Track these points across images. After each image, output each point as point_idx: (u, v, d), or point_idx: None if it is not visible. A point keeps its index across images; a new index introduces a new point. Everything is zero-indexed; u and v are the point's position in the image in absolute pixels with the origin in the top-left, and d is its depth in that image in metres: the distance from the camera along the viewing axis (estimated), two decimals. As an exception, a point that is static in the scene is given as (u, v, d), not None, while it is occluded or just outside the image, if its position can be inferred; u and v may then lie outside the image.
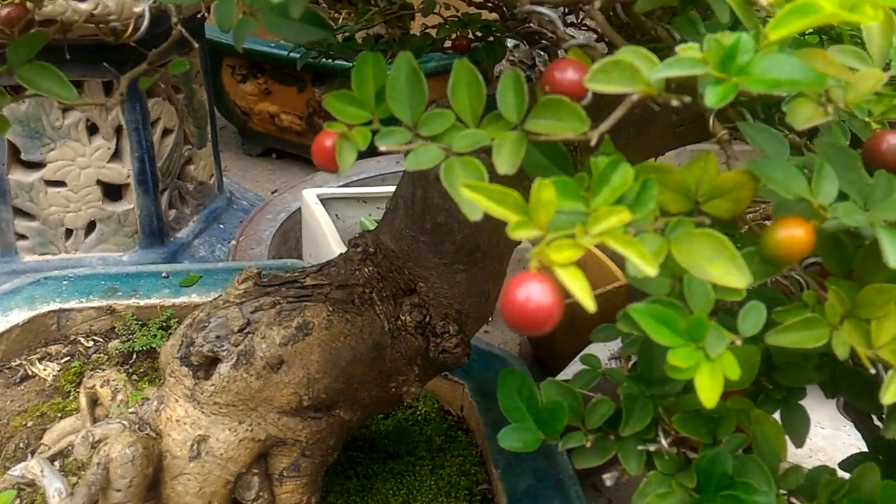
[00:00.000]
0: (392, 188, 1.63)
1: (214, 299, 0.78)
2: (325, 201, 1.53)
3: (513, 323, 0.34)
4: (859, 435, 0.71)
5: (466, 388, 1.03)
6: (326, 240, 1.40)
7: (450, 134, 0.42)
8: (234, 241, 1.50)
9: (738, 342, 0.42)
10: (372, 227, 1.51)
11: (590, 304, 0.34)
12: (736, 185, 0.42)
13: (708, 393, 0.40)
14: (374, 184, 1.74)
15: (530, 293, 0.34)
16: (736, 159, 0.47)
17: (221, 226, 1.70)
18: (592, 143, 0.40)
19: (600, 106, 0.45)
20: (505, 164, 0.40)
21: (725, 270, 0.37)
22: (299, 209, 1.60)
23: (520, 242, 0.86)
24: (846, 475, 0.65)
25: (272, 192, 2.21)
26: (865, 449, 0.69)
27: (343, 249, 1.35)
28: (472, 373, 1.04)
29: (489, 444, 0.95)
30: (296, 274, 0.79)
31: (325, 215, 1.46)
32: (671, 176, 0.41)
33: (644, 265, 0.34)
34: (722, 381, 0.41)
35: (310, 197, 1.52)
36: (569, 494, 0.89)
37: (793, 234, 0.40)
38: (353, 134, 0.42)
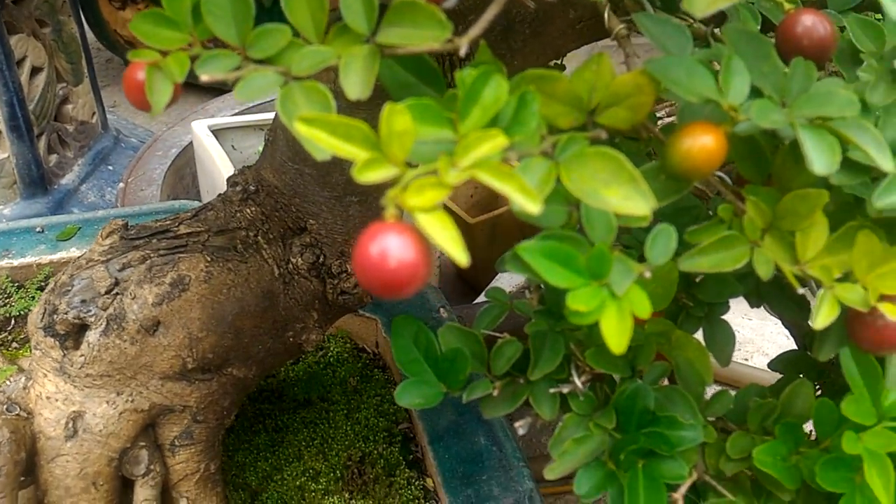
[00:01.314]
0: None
1: (77, 258, 0.69)
2: (217, 132, 1.43)
3: (370, 286, 0.28)
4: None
5: (379, 324, 0.97)
6: (222, 175, 1.30)
7: (288, 54, 0.34)
8: (121, 184, 1.39)
9: (648, 274, 0.36)
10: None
11: (462, 258, 0.27)
12: (634, 89, 0.35)
13: (616, 337, 0.34)
14: (272, 109, 1.63)
15: (388, 248, 0.27)
16: (636, 56, 0.40)
17: (110, 167, 1.58)
18: (462, 52, 0.33)
19: (475, 8, 0.38)
20: (355, 86, 0.32)
21: (625, 195, 0.31)
22: (192, 143, 1.49)
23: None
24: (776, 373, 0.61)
25: (168, 127, 2.09)
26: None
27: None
28: (384, 306, 0.98)
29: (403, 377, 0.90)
30: (167, 222, 0.71)
31: (218, 148, 1.36)
32: (558, 85, 0.34)
33: (526, 201, 0.27)
34: (631, 322, 0.35)
35: (200, 129, 1.41)
36: (493, 427, 0.85)
37: (701, 144, 0.34)
38: (168, 62, 0.34)
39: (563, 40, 0.71)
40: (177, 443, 0.68)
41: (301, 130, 0.29)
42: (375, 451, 0.85)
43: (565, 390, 0.48)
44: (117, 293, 0.65)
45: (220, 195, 0.75)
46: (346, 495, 0.80)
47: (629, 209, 0.30)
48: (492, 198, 1.83)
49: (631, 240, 0.47)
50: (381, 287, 0.28)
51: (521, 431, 0.49)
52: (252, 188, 0.73)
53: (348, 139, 0.29)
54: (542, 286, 0.57)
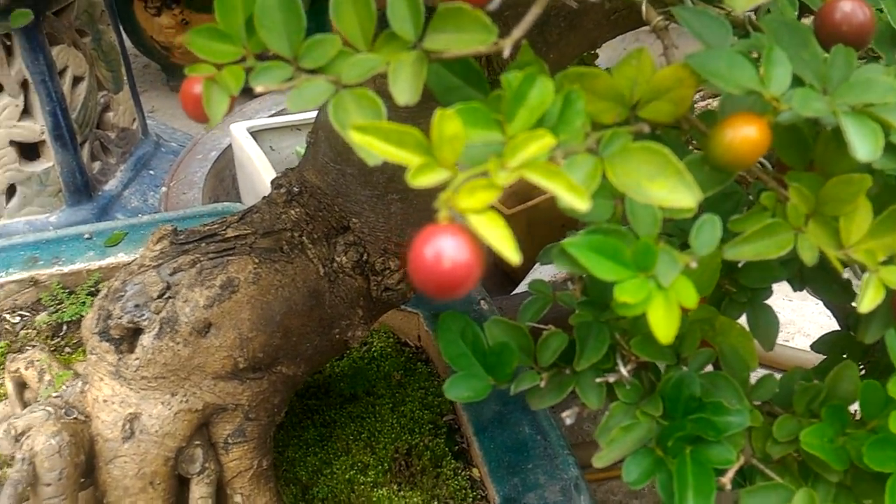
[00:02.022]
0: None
1: (128, 264, 0.71)
2: (256, 134, 1.45)
3: (426, 288, 0.29)
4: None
5: (421, 318, 0.99)
6: (261, 176, 1.32)
7: (338, 63, 0.35)
8: (164, 188, 1.42)
9: (693, 264, 0.36)
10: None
11: (514, 257, 0.28)
12: (675, 82, 0.36)
13: (664, 328, 0.35)
14: (309, 109, 1.65)
15: (442, 250, 0.28)
16: (675, 48, 0.41)
17: (151, 172, 1.61)
18: (506, 54, 0.34)
19: (515, 7, 0.39)
20: (404, 92, 0.33)
21: (671, 188, 0.32)
22: (231, 146, 1.51)
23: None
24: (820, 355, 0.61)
25: (205, 129, 2.12)
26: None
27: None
28: (426, 300, 0.99)
29: (451, 371, 0.91)
30: (215, 226, 0.72)
31: (257, 149, 1.38)
32: (599, 81, 0.35)
33: (575, 199, 0.28)
34: (678, 312, 0.36)
35: (238, 131, 1.43)
36: (537, 416, 0.86)
37: (745, 135, 0.34)
38: (224, 76, 0.36)
39: (599, 31, 0.71)
40: (230, 441, 0.70)
41: (355, 138, 0.30)
42: (422, 443, 0.86)
43: (611, 380, 0.49)
44: (169, 297, 0.67)
45: (264, 198, 0.76)
46: (395, 487, 0.81)
47: (675, 202, 0.31)
48: (529, 187, 1.83)
49: (673, 228, 0.48)
50: (436, 288, 0.29)
51: (567, 421, 0.50)
52: (296, 189, 0.75)
53: (401, 145, 0.30)
54: (584, 277, 0.58)
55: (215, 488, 0.69)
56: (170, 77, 2.33)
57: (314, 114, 1.56)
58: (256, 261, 0.69)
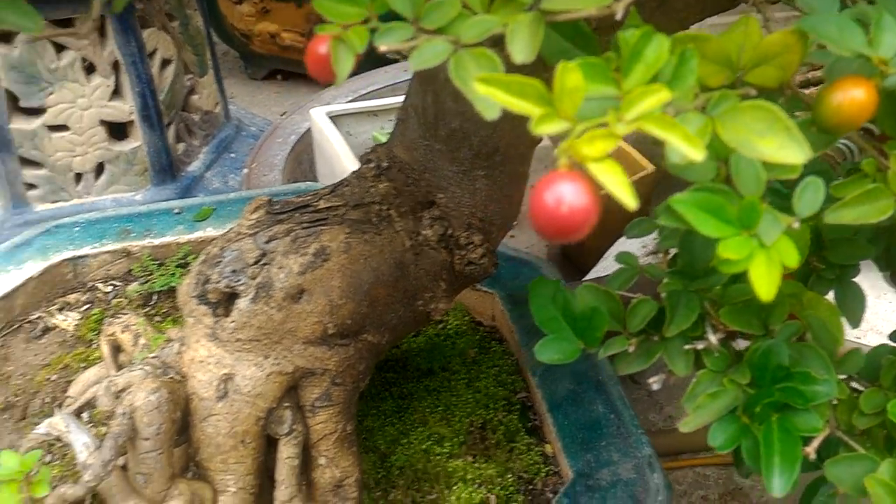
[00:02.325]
0: (400, 99, 1.57)
1: (226, 232, 0.74)
2: (334, 118, 1.48)
3: (545, 231, 0.30)
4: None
5: (497, 297, 1.00)
6: (340, 159, 1.35)
7: (457, 24, 0.37)
8: (245, 170, 1.46)
9: (796, 225, 0.37)
10: (385, 140, 1.47)
11: (630, 202, 0.29)
12: (783, 48, 0.37)
13: (765, 285, 0.36)
14: (383, 95, 1.68)
15: (562, 195, 0.30)
16: (775, 22, 0.42)
17: (232, 155, 1.66)
18: (618, 16, 0.35)
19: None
20: (522, 50, 0.35)
21: (780, 145, 0.33)
22: (309, 130, 1.55)
23: (541, 140, 0.81)
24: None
25: (281, 115, 2.16)
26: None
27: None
28: (501, 280, 1.01)
29: (525, 351, 0.93)
30: (308, 198, 0.75)
31: (336, 133, 1.41)
32: (709, 45, 0.36)
33: (690, 149, 0.30)
34: (780, 270, 0.37)
35: (318, 116, 1.47)
36: (611, 395, 0.87)
37: (852, 97, 0.35)
38: (349, 35, 0.38)
39: (687, 13, 0.72)
40: (317, 404, 0.73)
41: (479, 89, 0.32)
42: (496, 419, 0.88)
43: (700, 346, 0.50)
44: (265, 263, 0.70)
45: (353, 172, 0.79)
46: (470, 459, 0.83)
47: (784, 158, 0.32)
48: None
49: (772, 196, 0.49)
50: (555, 232, 0.31)
51: (654, 387, 0.51)
52: (385, 164, 0.77)
53: (522, 96, 0.31)
54: (673, 250, 0.59)
55: (301, 450, 0.72)
56: (248, 65, 2.38)
57: (390, 100, 1.59)
58: (347, 231, 0.72)
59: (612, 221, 1.59)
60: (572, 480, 0.78)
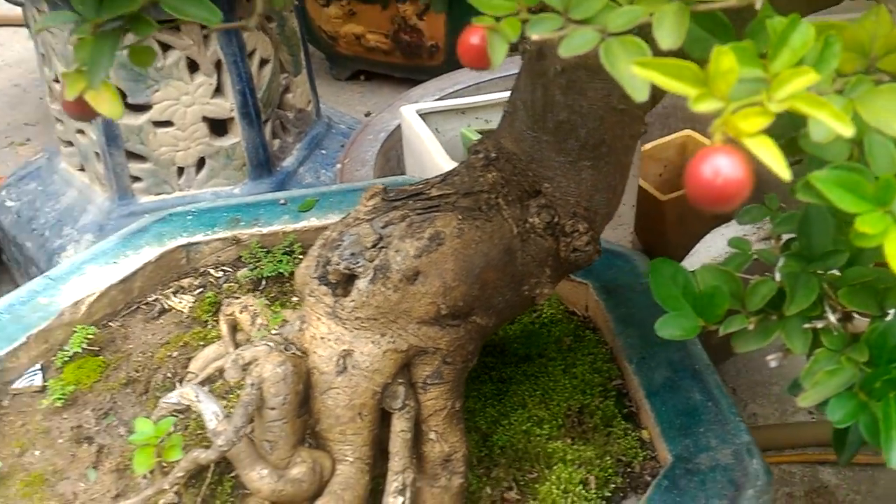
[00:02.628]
0: (488, 97, 1.61)
1: (344, 218, 0.79)
2: (423, 116, 1.52)
3: (701, 201, 0.33)
4: None
5: (591, 288, 1.03)
6: (430, 155, 1.39)
7: (603, 14, 0.40)
8: (339, 165, 1.51)
9: (928, 203, 0.39)
10: (473, 137, 1.50)
11: (785, 174, 0.32)
12: (915, 36, 0.39)
13: (899, 259, 0.38)
14: (468, 94, 1.72)
15: (719, 167, 0.33)
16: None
17: (323, 151, 1.71)
18: (757, 5, 0.38)
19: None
20: (668, 37, 0.38)
21: (919, 125, 0.35)
22: (398, 127, 1.59)
23: (645, 132, 0.83)
24: None
25: (365, 115, 2.22)
26: None
27: (447, 163, 1.35)
28: (595, 272, 1.03)
29: (620, 339, 0.95)
30: (420, 186, 0.79)
31: (426, 130, 1.45)
32: (845, 33, 0.38)
33: (838, 124, 0.32)
34: (912, 247, 0.39)
35: (409, 113, 1.51)
36: (708, 384, 0.88)
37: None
38: (503, 26, 0.41)
39: (791, 7, 0.74)
40: (428, 381, 0.76)
41: (637, 72, 0.35)
42: (593, 404, 0.90)
43: (820, 325, 0.52)
44: (382, 247, 0.74)
45: (462, 163, 0.82)
46: (569, 441, 0.86)
47: (923, 136, 0.34)
48: (678, 178, 1.85)
49: None
50: (710, 201, 0.33)
51: (772, 364, 0.53)
52: (493, 155, 0.80)
53: (679, 78, 0.34)
54: (785, 236, 0.61)
55: (413, 424, 0.76)
56: (332, 66, 2.45)
57: (476, 98, 1.62)
58: (459, 217, 0.75)
59: (692, 222, 1.60)
60: (672, 463, 0.81)
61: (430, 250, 0.74)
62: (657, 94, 0.80)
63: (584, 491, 0.80)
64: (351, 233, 0.76)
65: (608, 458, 0.84)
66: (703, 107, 0.33)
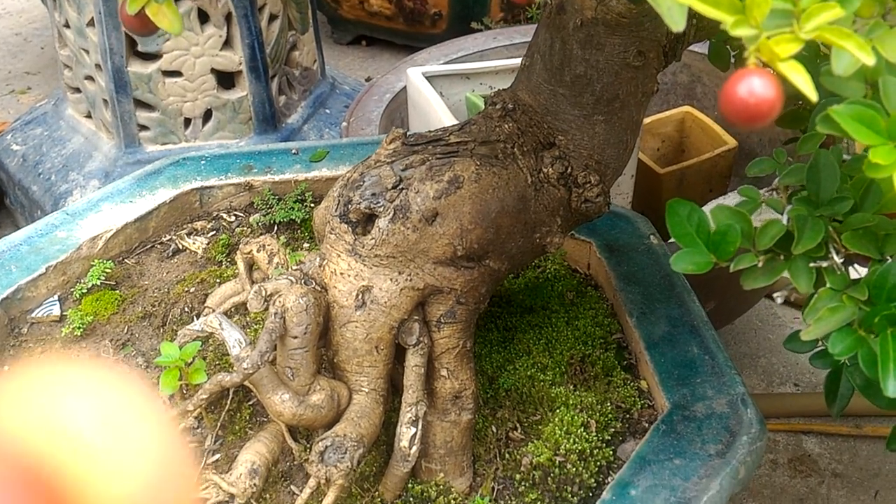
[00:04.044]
0: (494, 63, 1.63)
1: (364, 160, 0.81)
2: (429, 79, 1.54)
3: (735, 119, 0.36)
4: None
5: (593, 246, 1.06)
6: (437, 115, 1.42)
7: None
8: (344, 123, 1.53)
9: (936, 141, 0.43)
10: (479, 102, 1.53)
11: (812, 94, 0.35)
12: (932, -16, 0.42)
13: (907, 191, 0.41)
14: (472, 60, 1.74)
15: (752, 87, 0.36)
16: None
17: (327, 111, 1.73)
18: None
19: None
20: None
21: (933, 63, 0.38)
22: (403, 89, 1.61)
23: (657, 91, 0.86)
24: None
25: (366, 80, 2.23)
26: None
27: (453, 125, 1.37)
28: (598, 231, 1.07)
29: (621, 295, 0.98)
30: (439, 132, 0.82)
31: (433, 92, 1.47)
32: (867, -22, 0.41)
33: (862, 54, 0.35)
34: (920, 180, 0.42)
35: (415, 75, 1.53)
36: (705, 339, 0.92)
37: None
38: None
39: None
40: (442, 320, 0.79)
41: (693, 3, 0.37)
42: (594, 354, 0.94)
43: (824, 265, 0.55)
44: (402, 188, 0.77)
45: (479, 113, 0.85)
46: (571, 387, 0.89)
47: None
48: (676, 152, 1.88)
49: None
50: (743, 119, 0.36)
51: (778, 301, 0.56)
52: (510, 106, 0.83)
53: (717, 6, 0.37)
54: (792, 188, 0.64)
55: (426, 360, 0.79)
56: (335, 29, 2.46)
57: (482, 64, 1.65)
58: (477, 163, 0.78)
59: (690, 190, 1.63)
60: (669, 410, 0.84)
61: (448, 193, 0.76)
62: (669, 52, 0.83)
63: (584, 433, 0.84)
64: (372, 174, 0.79)
65: (608, 404, 0.88)
66: (740, 32, 0.36)
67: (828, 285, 0.56)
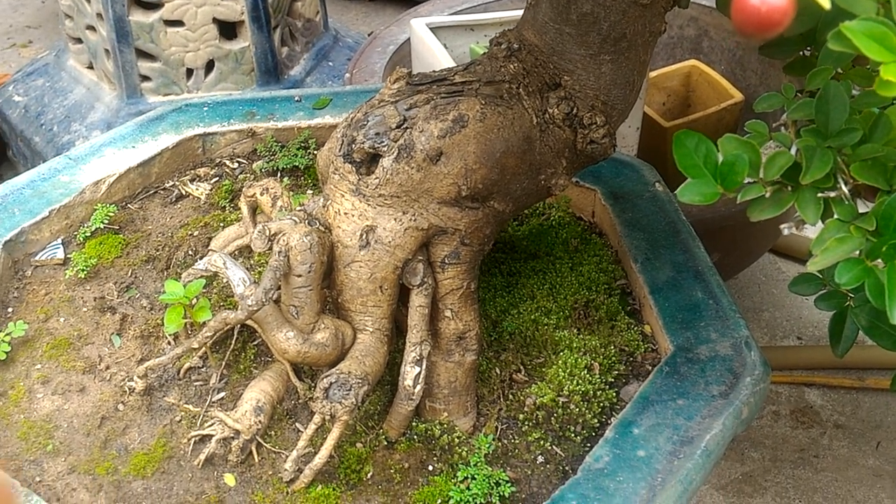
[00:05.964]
0: (498, 14, 1.61)
1: (368, 100, 0.81)
2: (433, 30, 1.53)
3: (746, 27, 0.36)
4: None
5: (598, 194, 1.05)
6: (441, 66, 1.40)
7: None
8: (347, 75, 1.52)
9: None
10: (482, 53, 1.51)
11: (825, 3, 0.34)
12: None
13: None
14: (477, 12, 1.72)
15: (765, -5, 0.35)
16: None
17: (330, 63, 1.72)
18: None
19: None
20: None
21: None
22: (407, 41, 1.60)
23: (664, 31, 0.85)
24: None
25: (368, 35, 2.21)
26: None
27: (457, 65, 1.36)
28: (603, 178, 1.06)
29: (626, 242, 0.98)
30: (444, 72, 0.81)
31: (437, 43, 1.46)
32: None
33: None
34: (932, 97, 0.41)
35: (419, 27, 1.51)
36: (709, 283, 0.92)
37: None
38: None
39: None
40: (446, 261, 0.79)
41: None
42: (598, 300, 0.94)
43: (832, 195, 0.55)
44: (406, 127, 0.76)
45: (484, 53, 0.84)
46: (575, 331, 0.89)
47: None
48: (682, 107, 1.87)
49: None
50: (754, 27, 0.36)
51: (785, 232, 0.56)
52: (515, 46, 0.82)
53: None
54: (800, 123, 0.63)
55: (430, 301, 0.79)
56: (337, -17, 2.43)
57: (486, 15, 1.63)
58: (483, 102, 0.77)
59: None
60: (673, 352, 0.84)
61: (453, 132, 0.76)
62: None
63: (588, 375, 0.84)
64: (376, 113, 0.78)
65: (612, 347, 0.88)
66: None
67: (835, 216, 0.56)
